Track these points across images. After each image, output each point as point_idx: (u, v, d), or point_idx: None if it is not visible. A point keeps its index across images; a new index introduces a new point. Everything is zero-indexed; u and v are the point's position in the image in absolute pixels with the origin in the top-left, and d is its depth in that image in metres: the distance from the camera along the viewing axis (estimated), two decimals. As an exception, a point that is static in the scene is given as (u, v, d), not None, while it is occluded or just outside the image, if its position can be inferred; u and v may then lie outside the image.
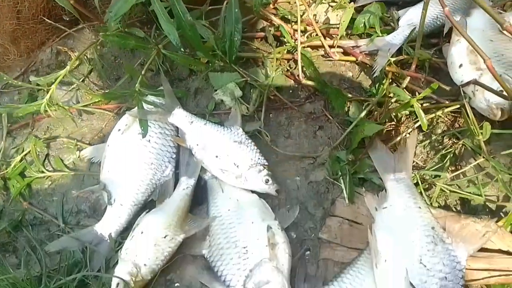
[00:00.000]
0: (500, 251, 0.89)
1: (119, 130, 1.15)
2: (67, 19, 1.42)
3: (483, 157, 0.95)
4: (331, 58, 1.22)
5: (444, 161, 1.04)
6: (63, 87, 1.35)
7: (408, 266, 0.84)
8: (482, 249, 0.89)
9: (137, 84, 1.18)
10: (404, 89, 1.13)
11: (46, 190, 1.18)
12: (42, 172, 1.17)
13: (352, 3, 1.29)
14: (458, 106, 1.03)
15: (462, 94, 0.97)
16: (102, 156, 1.14)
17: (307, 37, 1.25)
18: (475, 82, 0.97)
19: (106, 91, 1.29)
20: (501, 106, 0.95)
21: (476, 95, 1.00)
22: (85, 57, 1.38)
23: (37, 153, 1.20)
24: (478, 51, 0.83)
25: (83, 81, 1.34)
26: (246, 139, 1.15)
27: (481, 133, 0.95)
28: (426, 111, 1.10)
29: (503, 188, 0.94)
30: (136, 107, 1.15)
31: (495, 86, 0.97)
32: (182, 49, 1.04)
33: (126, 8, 0.99)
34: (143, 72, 1.21)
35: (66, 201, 1.16)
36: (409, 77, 1.11)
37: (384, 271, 0.86)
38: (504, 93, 0.93)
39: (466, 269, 0.87)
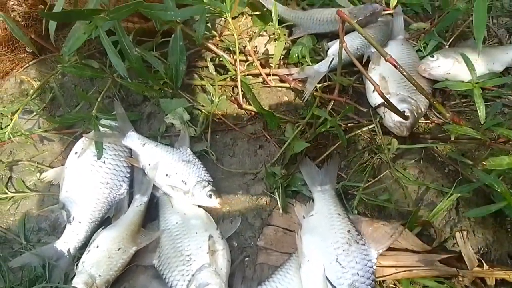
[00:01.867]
0: (405, 249, 1.04)
1: (76, 153, 1.26)
2: (30, 50, 1.54)
3: (390, 169, 1.11)
4: (268, 85, 1.38)
5: (364, 173, 1.20)
6: (26, 115, 1.45)
7: (326, 264, 0.98)
8: (391, 249, 1.04)
9: (94, 109, 1.30)
10: (331, 111, 1.30)
11: (9, 210, 1.27)
12: (5, 193, 1.27)
13: (287, 36, 1.48)
14: (373, 125, 1.20)
15: (371, 115, 1.14)
16: (61, 178, 1.25)
17: (248, 66, 1.41)
18: (384, 105, 1.14)
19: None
20: (404, 125, 1.12)
21: (385, 116, 1.17)
22: (47, 85, 1.49)
23: (1, 176, 1.29)
24: (361, 69, 0.99)
25: (44, 108, 1.45)
26: (194, 158, 1.28)
27: (388, 147, 1.11)
28: (349, 130, 1.27)
29: (407, 195, 1.10)
30: (92, 131, 1.27)
31: (399, 108, 1.15)
32: (129, 80, 1.16)
33: (79, 44, 1.11)
34: (99, 99, 1.34)
35: (27, 220, 1.25)
36: (333, 101, 1.27)
37: (307, 270, 1.00)
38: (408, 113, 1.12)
39: (377, 266, 1.02)
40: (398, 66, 0.91)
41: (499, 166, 0.79)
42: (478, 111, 1.00)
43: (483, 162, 0.79)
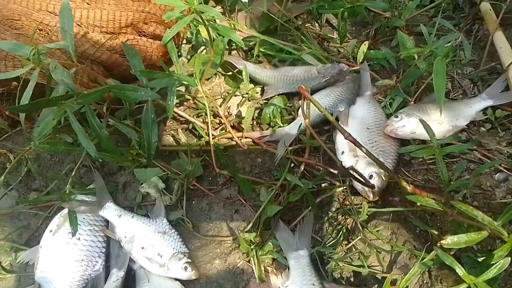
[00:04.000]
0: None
1: (51, 231, 1.26)
2: (6, 123, 1.55)
3: (362, 235, 1.12)
4: (242, 148, 1.40)
5: (338, 236, 1.21)
6: (1, 188, 1.45)
7: None
8: (366, 318, 1.04)
9: (68, 185, 1.31)
10: (304, 171, 1.32)
11: (-15, 294, 1.26)
12: (-19, 276, 1.26)
13: (259, 95, 1.52)
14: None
15: (339, 177, 1.16)
16: (36, 257, 1.24)
17: (221, 130, 1.43)
18: (352, 169, 1.16)
19: (43, 188, 1.42)
20: (372, 190, 1.14)
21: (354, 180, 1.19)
22: (24, 157, 1.50)
23: (-24, 257, 1.29)
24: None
25: (20, 181, 1.46)
26: (170, 229, 1.28)
27: (359, 211, 1.13)
28: (322, 191, 1.28)
29: (378, 260, 1.10)
30: (66, 209, 1.27)
31: (367, 172, 1.17)
32: (100, 160, 1.17)
33: (48, 129, 1.13)
34: (73, 173, 1.35)
35: (3, 304, 1.24)
36: (304, 163, 1.29)
37: None
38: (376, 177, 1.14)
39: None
40: (356, 143, 0.93)
41: (457, 245, 0.81)
42: (441, 176, 1.02)
43: (441, 241, 0.81)
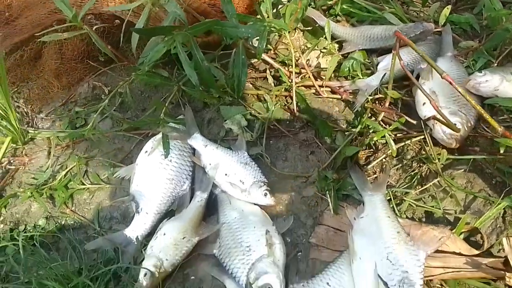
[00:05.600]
0: (453, 252, 1.10)
1: (146, 152, 1.40)
2: (102, 59, 1.71)
3: (439, 178, 1.18)
4: (320, 96, 1.48)
5: (412, 181, 1.27)
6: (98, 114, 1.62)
7: (377, 262, 1.06)
8: (439, 251, 1.11)
9: (162, 113, 1.45)
10: (380, 122, 1.38)
11: (85, 200, 1.42)
12: (83, 184, 1.42)
13: (338, 51, 1.59)
14: (423, 136, 1.28)
15: (423, 127, 1.22)
16: (131, 173, 1.39)
17: (301, 78, 1.52)
18: (434, 118, 1.22)
19: (135, 119, 1.56)
20: (454, 137, 1.19)
21: (435, 128, 1.24)
22: (117, 91, 1.65)
23: (79, 168, 1.45)
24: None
25: (114, 111, 1.61)
26: (250, 161, 1.39)
27: (438, 158, 1.18)
28: (398, 140, 1.34)
29: (456, 202, 1.16)
30: (160, 134, 1.41)
31: (451, 120, 1.22)
32: (200, 88, 1.29)
33: (158, 56, 1.26)
34: (166, 104, 1.48)
35: (101, 209, 1.39)
36: (383, 112, 1.36)
37: (358, 266, 1.08)
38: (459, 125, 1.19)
39: (425, 266, 1.08)
40: (453, 84, 0.99)
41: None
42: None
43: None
